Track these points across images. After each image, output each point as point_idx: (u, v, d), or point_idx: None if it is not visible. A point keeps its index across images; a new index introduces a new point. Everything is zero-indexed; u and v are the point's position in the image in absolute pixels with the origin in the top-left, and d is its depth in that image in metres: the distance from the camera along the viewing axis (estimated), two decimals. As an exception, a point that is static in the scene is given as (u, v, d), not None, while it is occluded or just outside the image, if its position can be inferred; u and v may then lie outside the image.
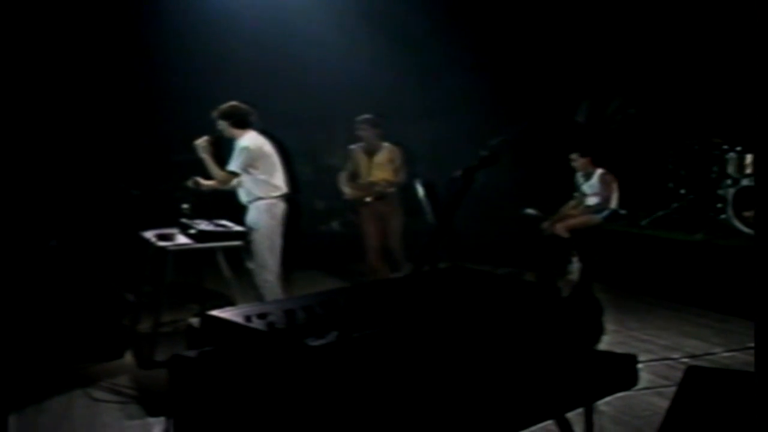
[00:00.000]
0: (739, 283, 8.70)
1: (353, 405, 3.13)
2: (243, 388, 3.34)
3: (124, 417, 6.36)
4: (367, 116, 9.88)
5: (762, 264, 3.60)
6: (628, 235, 11.01)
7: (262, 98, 8.73)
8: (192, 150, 8.48)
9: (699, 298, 9.31)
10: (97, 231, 11.01)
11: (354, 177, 9.98)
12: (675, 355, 7.49)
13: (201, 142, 8.31)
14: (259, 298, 8.08)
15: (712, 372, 4.87)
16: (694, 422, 4.24)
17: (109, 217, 11.73)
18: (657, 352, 7.58)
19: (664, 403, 5.16)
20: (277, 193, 8.37)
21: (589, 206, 10.74)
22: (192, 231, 7.86)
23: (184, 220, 8.22)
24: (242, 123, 8.32)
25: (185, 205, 8.54)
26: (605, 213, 10.64)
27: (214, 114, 8.36)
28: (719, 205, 10.09)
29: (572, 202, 11.15)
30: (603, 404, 4.87)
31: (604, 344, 4.30)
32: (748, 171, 9.87)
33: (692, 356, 7.44)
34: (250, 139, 8.26)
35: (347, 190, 9.96)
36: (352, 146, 9.97)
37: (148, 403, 6.57)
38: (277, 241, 8.37)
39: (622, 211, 11.68)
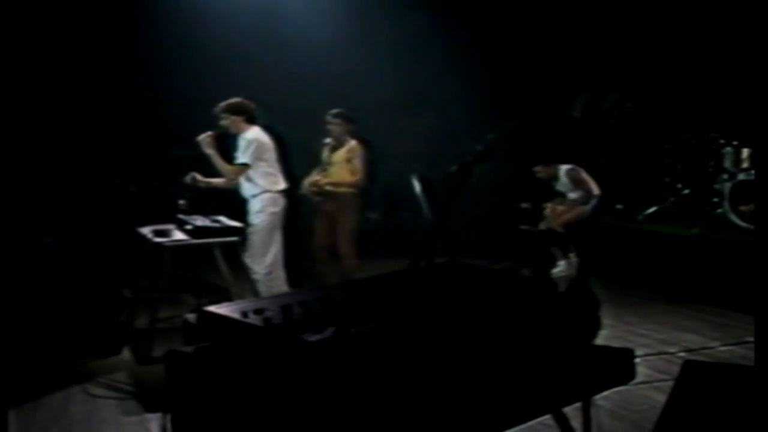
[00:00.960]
0: (736, 278, 8.71)
1: (351, 400, 3.13)
2: (240, 384, 3.34)
3: (122, 413, 6.36)
4: (339, 110, 9.51)
5: (762, 259, 3.61)
6: (625, 230, 11.02)
7: (258, 93, 8.72)
8: (189, 146, 8.48)
9: (696, 293, 9.32)
10: (93, 227, 11.01)
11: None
12: (672, 350, 7.50)
13: (205, 137, 8.32)
14: (255, 293, 8.09)
15: (709, 366, 4.87)
16: (692, 416, 4.24)
17: (106, 213, 11.73)
18: (654, 347, 7.59)
19: (661, 397, 5.17)
20: (280, 188, 8.45)
21: (575, 199, 10.53)
22: (189, 227, 7.85)
23: (180, 216, 8.22)
24: (251, 118, 8.37)
25: (182, 201, 8.54)
26: (593, 203, 10.39)
27: (220, 108, 8.36)
28: (716, 200, 10.09)
29: (557, 201, 10.85)
30: (600, 398, 4.87)
31: (601, 339, 4.32)
32: (745, 165, 9.87)
33: (689, 350, 7.45)
34: (256, 133, 8.31)
35: (304, 184, 9.57)
36: (326, 140, 9.73)
37: (146, 398, 6.58)
38: (276, 236, 8.39)
39: (619, 206, 11.71)
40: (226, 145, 8.48)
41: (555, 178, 10.53)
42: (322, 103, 9.81)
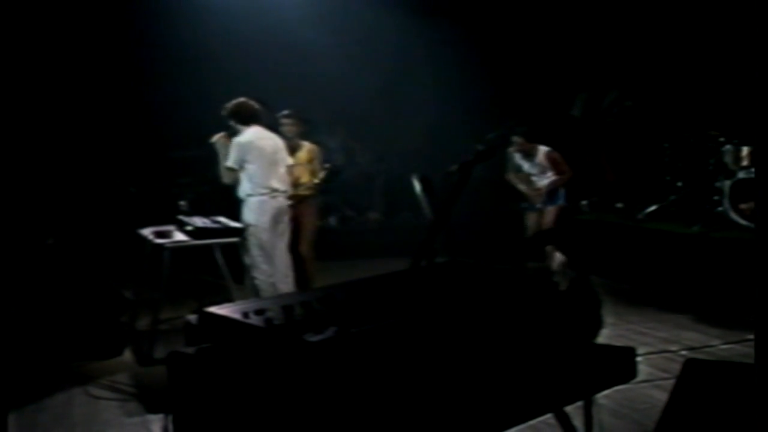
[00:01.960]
0: (736, 275, 8.71)
1: (352, 400, 3.13)
2: (241, 385, 3.34)
3: (124, 414, 6.37)
4: (291, 111, 9.37)
5: (761, 256, 3.61)
6: (625, 228, 11.02)
7: (257, 94, 8.72)
8: (188, 147, 8.49)
9: (697, 291, 9.32)
10: (94, 228, 11.02)
11: None
12: (673, 348, 7.50)
13: (218, 138, 8.34)
14: (256, 294, 8.09)
15: (711, 364, 4.87)
16: (693, 414, 4.24)
17: (106, 214, 11.73)
18: (655, 345, 7.60)
19: (662, 396, 5.17)
20: (266, 190, 8.36)
21: (551, 196, 10.60)
22: (189, 228, 7.86)
23: (181, 217, 8.22)
24: (245, 119, 8.36)
25: (182, 202, 8.55)
26: (561, 193, 10.63)
27: (223, 112, 8.39)
28: (716, 198, 10.09)
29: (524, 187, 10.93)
30: (602, 397, 4.86)
31: (603, 337, 4.30)
32: (745, 163, 9.86)
33: (690, 348, 7.45)
34: (246, 135, 8.30)
35: None
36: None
37: (147, 400, 6.59)
38: (267, 239, 8.37)
39: (619, 204, 11.71)
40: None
41: (530, 156, 10.61)
42: (322, 104, 9.82)
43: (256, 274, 8.28)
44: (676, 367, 5.16)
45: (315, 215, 9.56)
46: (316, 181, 9.36)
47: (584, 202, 12.32)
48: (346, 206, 14.10)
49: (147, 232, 8.03)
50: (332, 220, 13.65)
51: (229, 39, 12.46)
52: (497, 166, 10.83)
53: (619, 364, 4.08)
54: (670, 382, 4.88)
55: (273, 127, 8.77)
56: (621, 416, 5.85)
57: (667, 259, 10.03)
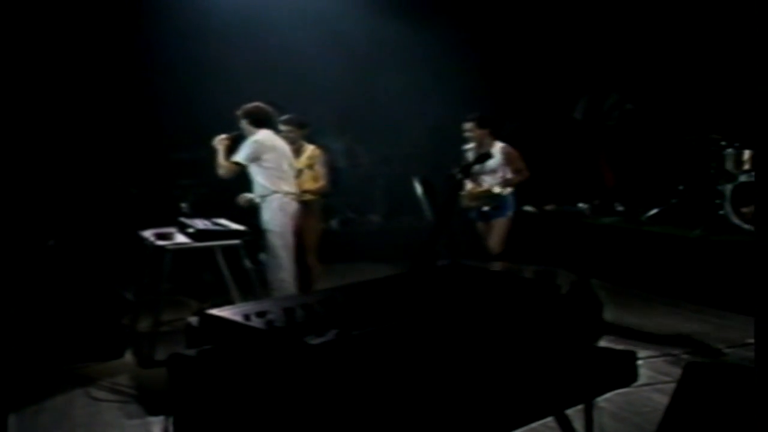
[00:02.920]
0: (737, 279, 8.70)
1: (353, 403, 3.14)
2: (242, 387, 3.34)
3: (124, 416, 6.37)
4: (289, 116, 9.12)
5: (761, 259, 3.61)
6: (627, 231, 11.02)
7: (259, 97, 8.71)
8: (190, 149, 8.49)
9: (697, 294, 9.32)
10: (95, 230, 11.01)
11: None
12: (674, 351, 7.49)
13: (221, 140, 8.33)
14: (258, 295, 8.07)
15: (712, 367, 4.86)
16: (694, 418, 4.24)
17: (108, 216, 11.73)
18: (656, 348, 7.59)
19: (663, 399, 5.15)
20: (287, 190, 8.40)
21: (489, 183, 9.41)
22: (190, 230, 7.85)
23: (182, 219, 8.22)
24: (259, 122, 8.37)
25: (184, 204, 8.55)
26: (509, 204, 9.52)
27: (238, 113, 8.37)
28: (717, 201, 10.08)
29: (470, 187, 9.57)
30: (603, 401, 4.87)
31: (604, 340, 4.31)
32: (746, 167, 9.87)
33: (691, 352, 7.45)
34: (261, 135, 8.30)
35: None
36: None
37: (148, 402, 6.58)
38: (290, 239, 8.39)
39: (620, 207, 11.70)
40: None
41: (481, 146, 9.41)
42: (325, 107, 9.80)
43: (283, 275, 8.27)
44: (677, 371, 5.16)
45: (318, 221, 9.47)
46: (317, 186, 9.15)
47: (585, 205, 12.32)
48: (347, 208, 14.09)
49: (148, 233, 8.02)
50: (334, 223, 13.64)
51: (232, 41, 12.47)
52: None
53: (620, 368, 4.08)
54: (671, 386, 4.87)
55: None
56: (622, 420, 5.85)
57: (668, 262, 10.03)
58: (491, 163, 9.26)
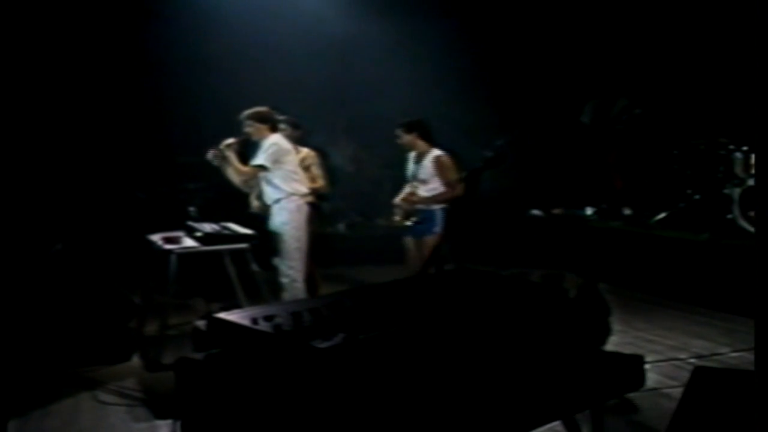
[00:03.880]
0: (745, 283, 8.69)
1: (360, 407, 3.13)
2: (250, 391, 3.34)
3: (131, 419, 6.36)
4: (285, 117, 8.89)
5: (762, 263, 3.61)
6: (635, 235, 11.01)
7: (265, 100, 8.70)
8: (197, 153, 8.48)
9: (705, 298, 9.30)
10: (103, 234, 11.03)
11: None
12: (682, 356, 7.48)
13: (229, 143, 8.29)
14: (265, 299, 8.07)
15: (720, 372, 4.86)
16: (702, 423, 4.23)
17: (115, 220, 11.75)
18: (664, 353, 7.58)
19: (671, 404, 5.16)
20: (304, 192, 8.40)
21: (423, 194, 8.84)
22: (198, 234, 7.86)
23: (190, 223, 8.22)
24: (275, 127, 8.37)
25: (191, 208, 8.55)
26: (438, 220, 8.72)
27: (245, 115, 8.33)
28: (725, 205, 10.06)
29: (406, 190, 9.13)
30: (610, 405, 4.86)
31: (611, 345, 4.30)
32: (754, 171, 9.85)
33: (699, 356, 7.43)
34: (277, 139, 8.29)
35: (251, 200, 9.06)
36: None
37: (155, 405, 6.58)
38: (304, 242, 8.38)
39: (628, 211, 11.68)
40: (247, 153, 8.44)
41: (419, 155, 8.92)
42: (331, 111, 9.78)
43: (296, 277, 8.27)
44: (685, 375, 5.16)
45: (315, 224, 9.04)
46: (315, 187, 8.93)
47: (592, 209, 12.31)
48: (354, 212, 14.09)
49: (156, 237, 8.03)
50: (340, 227, 13.65)
51: (239, 45, 12.50)
52: (506, 173, 10.81)
53: (628, 372, 4.07)
54: (679, 390, 4.88)
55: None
56: (629, 424, 5.83)
57: (676, 266, 10.01)
58: (423, 173, 8.84)
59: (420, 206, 8.81)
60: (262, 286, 8.21)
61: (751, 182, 9.80)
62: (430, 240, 8.61)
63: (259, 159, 8.20)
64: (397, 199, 9.10)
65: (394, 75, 12.96)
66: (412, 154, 9.02)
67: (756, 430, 3.57)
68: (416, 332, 3.46)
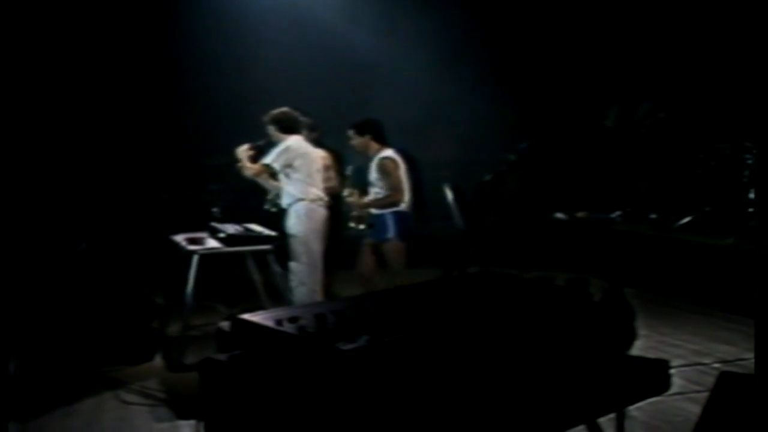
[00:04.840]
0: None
1: (384, 409, 3.12)
2: (273, 392, 3.34)
3: (154, 420, 6.38)
4: (304, 118, 8.72)
5: (762, 264, 3.59)
6: (659, 239, 10.95)
7: (289, 101, 8.69)
8: (221, 154, 8.49)
9: (730, 303, 9.24)
10: (127, 235, 11.06)
11: None
12: (706, 361, 7.44)
13: (244, 149, 8.29)
14: (288, 301, 8.07)
15: (745, 377, 4.82)
16: (727, 428, 4.20)
17: (139, 220, 11.79)
18: (688, 357, 7.54)
19: (695, 409, 5.12)
20: (314, 197, 8.34)
21: (376, 196, 8.73)
22: (221, 235, 7.87)
23: (213, 224, 8.24)
24: (287, 128, 8.33)
25: (215, 209, 8.56)
26: (389, 226, 8.62)
27: (265, 119, 8.35)
28: (750, 210, 10.00)
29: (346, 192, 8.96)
30: (635, 409, 4.84)
31: (636, 349, 4.28)
32: (757, 171, 9.78)
33: (724, 361, 7.39)
34: (291, 141, 8.27)
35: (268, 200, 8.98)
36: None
37: (178, 406, 6.59)
38: (315, 247, 8.34)
39: (653, 215, 11.62)
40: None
41: (365, 153, 8.84)
42: (352, 113, 9.75)
43: (303, 281, 8.26)
44: (710, 380, 5.13)
45: (330, 227, 8.78)
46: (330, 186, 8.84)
47: (617, 213, 12.25)
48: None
49: (179, 238, 8.05)
50: (361, 227, 13.61)
51: (263, 48, 12.51)
52: (530, 176, 10.77)
53: (653, 376, 4.06)
54: (704, 395, 4.85)
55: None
56: (653, 429, 5.81)
57: (700, 270, 9.96)
58: (371, 175, 8.75)
59: (373, 211, 8.70)
60: (284, 287, 8.22)
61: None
62: (387, 246, 8.64)
63: (266, 158, 8.21)
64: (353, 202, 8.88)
65: (415, 78, 12.94)
66: (365, 154, 8.86)
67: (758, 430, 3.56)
68: (440, 335, 3.45)
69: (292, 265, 8.28)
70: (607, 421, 4.21)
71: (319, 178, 8.46)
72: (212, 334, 3.93)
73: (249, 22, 12.35)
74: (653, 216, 11.75)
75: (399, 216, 8.58)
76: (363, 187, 8.76)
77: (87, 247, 9.08)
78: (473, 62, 13.17)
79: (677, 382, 6.17)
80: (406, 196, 8.68)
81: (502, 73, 13.33)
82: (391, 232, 8.58)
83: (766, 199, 3.62)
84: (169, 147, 12.62)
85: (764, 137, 3.65)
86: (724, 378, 4.47)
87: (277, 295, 8.27)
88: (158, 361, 7.89)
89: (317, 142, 9.01)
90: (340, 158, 9.27)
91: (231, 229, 8.03)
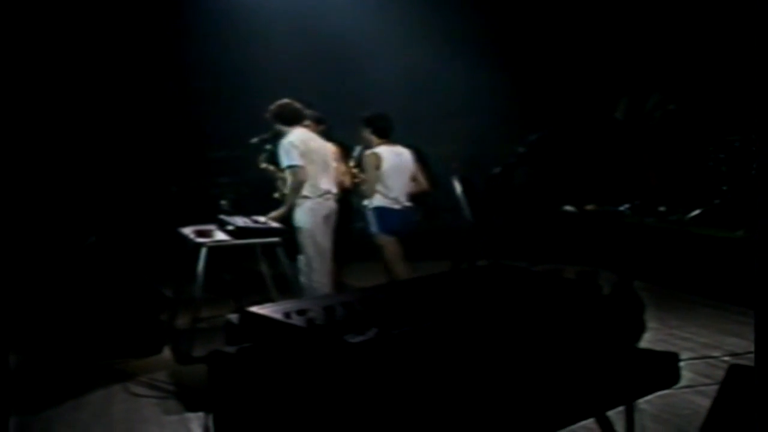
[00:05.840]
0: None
1: (393, 402, 3.12)
2: (282, 385, 3.33)
3: (163, 412, 6.39)
4: (310, 111, 8.82)
5: (761, 258, 3.58)
6: (669, 232, 10.93)
7: (298, 96, 8.68)
8: (228, 147, 8.50)
9: (740, 296, 9.21)
10: (135, 227, 11.08)
11: None
12: (716, 353, 7.42)
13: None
14: (297, 294, 8.07)
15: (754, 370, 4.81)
16: (736, 421, 4.19)
17: (148, 213, 11.80)
18: (698, 350, 7.52)
19: (705, 402, 5.11)
20: (320, 192, 8.32)
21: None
22: (230, 227, 7.86)
23: (222, 217, 8.23)
24: (289, 120, 8.31)
25: (223, 202, 8.56)
26: (372, 219, 8.77)
27: (267, 115, 8.34)
28: (761, 202, 9.95)
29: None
30: (644, 402, 4.82)
31: (645, 342, 4.26)
32: (756, 167, 9.74)
33: (733, 354, 7.36)
34: (294, 135, 8.26)
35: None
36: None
37: (187, 398, 6.60)
38: (322, 242, 8.34)
39: (662, 208, 11.59)
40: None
41: (369, 145, 8.90)
42: (362, 106, 9.72)
43: (314, 276, 8.26)
44: (719, 373, 5.12)
45: (338, 221, 8.83)
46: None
47: (626, 206, 12.22)
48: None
49: (188, 231, 8.04)
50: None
51: (271, 42, 12.52)
52: (539, 169, 10.74)
53: (662, 369, 4.05)
54: (713, 388, 4.84)
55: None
56: (663, 422, 5.80)
57: (710, 263, 9.93)
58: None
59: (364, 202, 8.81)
60: (292, 280, 8.22)
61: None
62: (376, 240, 8.76)
63: (286, 160, 8.17)
64: None
65: (423, 72, 12.94)
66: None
67: (758, 427, 3.55)
68: (449, 328, 3.45)
69: (301, 258, 8.29)
70: (616, 414, 4.20)
71: (326, 169, 8.43)
72: (221, 327, 3.92)
73: (261, 15, 12.36)
74: (663, 208, 11.72)
75: (379, 212, 8.66)
76: None
77: (96, 240, 9.09)
78: (483, 56, 13.14)
79: (687, 375, 6.15)
80: (377, 193, 8.69)
81: (512, 65, 13.32)
82: (374, 227, 8.71)
83: (766, 192, 3.61)
84: (178, 140, 12.64)
85: (764, 135, 3.63)
86: (733, 371, 4.46)
87: (286, 287, 8.25)
88: (167, 353, 7.90)
89: (325, 135, 8.98)
90: (348, 151, 9.25)
91: (240, 221, 8.01)
